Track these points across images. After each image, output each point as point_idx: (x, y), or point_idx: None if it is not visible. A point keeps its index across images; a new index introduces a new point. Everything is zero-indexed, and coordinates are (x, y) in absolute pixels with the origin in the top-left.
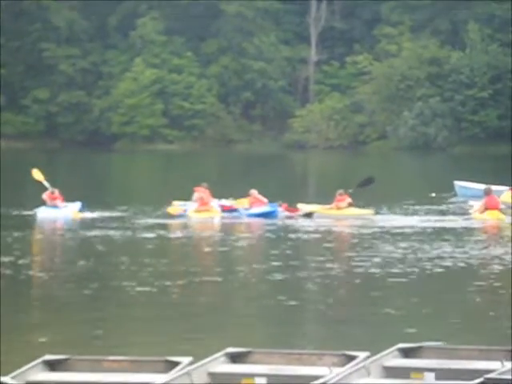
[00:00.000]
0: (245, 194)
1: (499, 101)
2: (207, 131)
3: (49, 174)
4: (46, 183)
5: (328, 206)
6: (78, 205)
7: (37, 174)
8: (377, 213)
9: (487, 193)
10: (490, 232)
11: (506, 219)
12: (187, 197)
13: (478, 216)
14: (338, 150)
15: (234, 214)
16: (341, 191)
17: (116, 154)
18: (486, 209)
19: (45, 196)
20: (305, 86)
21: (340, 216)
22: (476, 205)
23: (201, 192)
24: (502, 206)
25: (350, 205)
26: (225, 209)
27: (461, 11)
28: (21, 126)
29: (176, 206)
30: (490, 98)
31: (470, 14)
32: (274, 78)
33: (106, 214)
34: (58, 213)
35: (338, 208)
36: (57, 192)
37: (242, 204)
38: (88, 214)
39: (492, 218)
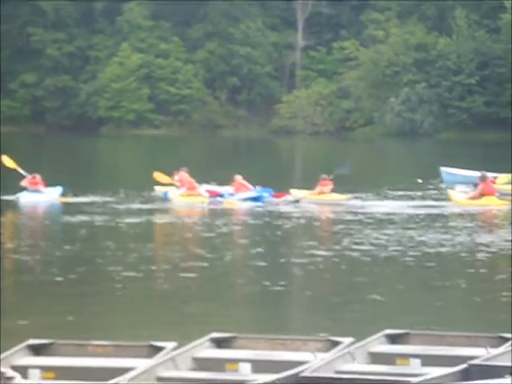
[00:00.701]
0: (230, 180)
1: (486, 87)
2: (193, 116)
3: (34, 159)
4: (20, 170)
5: (312, 192)
6: (59, 189)
7: (7, 161)
8: (354, 198)
9: (483, 179)
10: (477, 218)
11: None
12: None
13: (463, 202)
14: (324, 136)
15: (221, 198)
16: (324, 176)
17: (102, 139)
18: (483, 195)
19: (25, 183)
20: (291, 72)
21: (322, 201)
22: (454, 191)
23: (180, 177)
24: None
25: (332, 190)
26: (211, 194)
27: None
28: (6, 111)
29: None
30: (477, 85)
31: None
32: (260, 63)
33: (91, 198)
34: (41, 197)
35: (321, 193)
36: (38, 177)
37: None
38: (73, 199)
39: (491, 203)
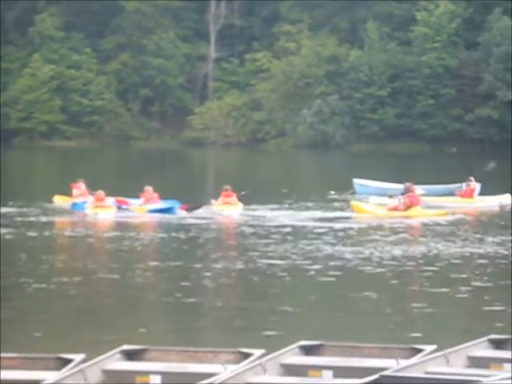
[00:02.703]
0: (140, 191)
1: (397, 99)
2: (105, 128)
3: None
4: None
5: (216, 202)
6: None
7: None
8: (246, 209)
9: (408, 190)
10: (396, 230)
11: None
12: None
13: (374, 213)
14: (236, 147)
15: (129, 211)
16: (227, 187)
17: (14, 151)
18: (409, 206)
19: None
20: (204, 83)
21: (221, 211)
22: (363, 202)
23: (77, 188)
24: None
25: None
26: (119, 203)
27: (360, 9)
28: None
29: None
30: (389, 97)
31: (369, 12)
32: (172, 74)
33: None
34: None
35: (225, 203)
36: None
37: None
38: None
39: (418, 215)
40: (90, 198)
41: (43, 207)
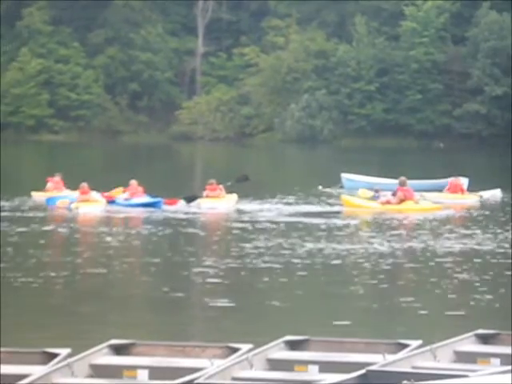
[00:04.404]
0: (126, 185)
1: (385, 94)
2: (93, 122)
3: None
4: None
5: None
6: None
7: None
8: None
9: (402, 184)
10: (387, 224)
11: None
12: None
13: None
14: (224, 142)
15: (115, 204)
16: (212, 181)
17: (1, 145)
18: (403, 200)
19: None
20: (192, 78)
21: (198, 205)
22: (351, 196)
23: (54, 182)
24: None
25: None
26: (104, 197)
27: (348, 4)
28: None
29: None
30: (377, 91)
31: (357, 6)
32: (160, 69)
33: None
34: None
35: (209, 197)
36: None
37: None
38: None
39: (413, 209)
40: (65, 192)
41: (29, 202)
